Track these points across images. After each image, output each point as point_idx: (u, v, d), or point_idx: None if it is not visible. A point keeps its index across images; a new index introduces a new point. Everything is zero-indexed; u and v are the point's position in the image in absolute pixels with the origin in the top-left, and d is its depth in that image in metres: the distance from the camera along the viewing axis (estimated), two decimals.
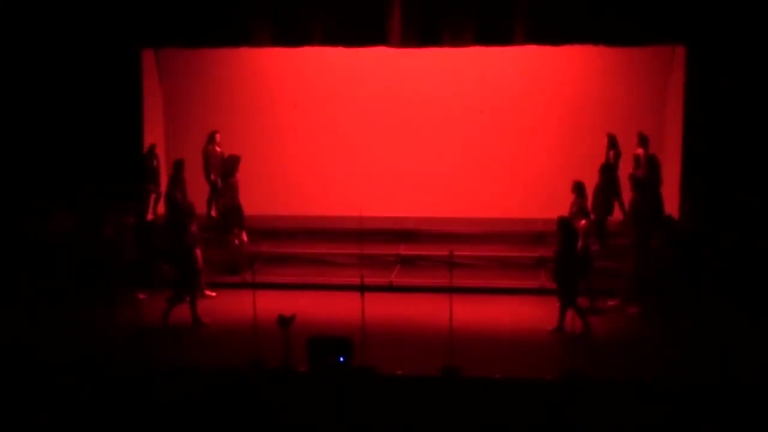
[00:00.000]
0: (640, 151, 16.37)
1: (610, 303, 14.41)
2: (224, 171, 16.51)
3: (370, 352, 12.21)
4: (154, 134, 17.92)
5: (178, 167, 16.44)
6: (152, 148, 17.30)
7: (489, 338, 13.47)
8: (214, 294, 15.16)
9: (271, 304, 13.71)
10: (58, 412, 11.03)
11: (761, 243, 15.23)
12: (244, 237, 16.27)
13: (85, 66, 16.49)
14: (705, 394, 11.12)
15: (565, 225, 13.66)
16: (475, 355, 12.66)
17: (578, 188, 15.10)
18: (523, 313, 14.37)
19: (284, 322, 12.76)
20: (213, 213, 17.35)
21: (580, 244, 13.89)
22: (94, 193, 16.18)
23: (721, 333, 13.45)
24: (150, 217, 16.97)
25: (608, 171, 16.04)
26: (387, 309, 14.44)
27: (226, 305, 14.83)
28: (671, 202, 16.32)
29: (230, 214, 16.05)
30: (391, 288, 15.58)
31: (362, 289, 12.81)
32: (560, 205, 15.51)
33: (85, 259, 14.87)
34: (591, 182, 15.73)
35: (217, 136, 17.35)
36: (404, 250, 16.91)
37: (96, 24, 16.33)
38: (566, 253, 13.51)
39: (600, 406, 10.93)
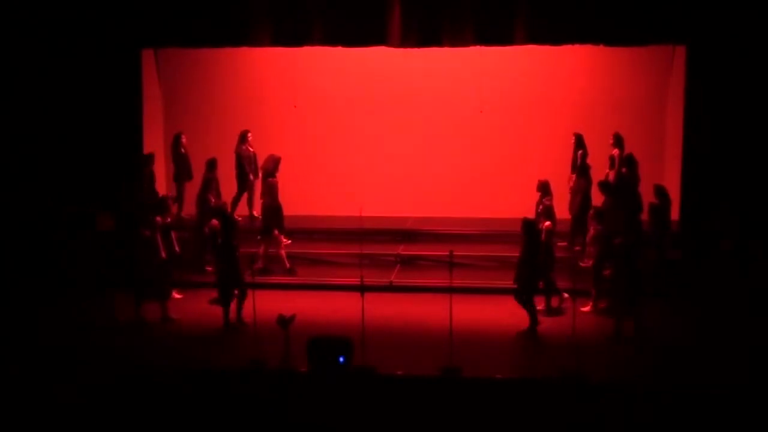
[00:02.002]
0: (615, 151, 16.40)
1: (583, 309, 14.31)
2: (265, 171, 16.35)
3: (370, 352, 12.21)
4: (154, 134, 17.93)
5: (210, 168, 16.26)
6: (178, 137, 17.28)
7: (489, 338, 13.47)
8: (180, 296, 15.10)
9: (271, 304, 13.73)
10: (57, 411, 11.04)
11: (761, 242, 15.25)
12: (284, 239, 16.23)
13: (85, 66, 16.49)
14: (704, 395, 11.12)
15: (529, 226, 13.67)
16: (475, 355, 12.66)
17: (543, 187, 15.13)
18: (523, 313, 14.34)
19: (284, 322, 12.77)
20: (255, 212, 17.25)
21: (542, 245, 13.99)
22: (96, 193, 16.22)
23: (720, 333, 13.47)
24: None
25: (585, 171, 16.04)
26: (387, 309, 14.44)
27: (212, 306, 14.83)
28: (671, 203, 16.30)
29: (271, 214, 15.93)
30: (391, 288, 15.57)
31: (362, 289, 12.81)
32: (560, 205, 15.59)
33: (125, 259, 14.81)
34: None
35: (249, 136, 17.24)
36: (404, 250, 16.90)
37: (96, 24, 16.35)
38: (529, 255, 13.51)
39: (600, 406, 10.93)
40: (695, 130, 15.94)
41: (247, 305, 13.80)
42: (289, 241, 16.47)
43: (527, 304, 13.52)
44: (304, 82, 18.50)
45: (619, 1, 15.56)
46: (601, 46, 16.45)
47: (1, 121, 16.71)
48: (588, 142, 16.61)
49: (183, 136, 17.41)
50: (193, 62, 18.31)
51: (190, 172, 17.41)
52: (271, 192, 15.89)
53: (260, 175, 16.78)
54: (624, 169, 15.85)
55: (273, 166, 16.30)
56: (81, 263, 15.77)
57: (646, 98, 17.70)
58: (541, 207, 14.86)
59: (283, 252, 15.94)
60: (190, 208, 17.08)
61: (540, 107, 18.06)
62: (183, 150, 17.40)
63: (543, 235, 14.06)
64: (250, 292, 14.25)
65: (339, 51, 16.88)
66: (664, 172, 17.32)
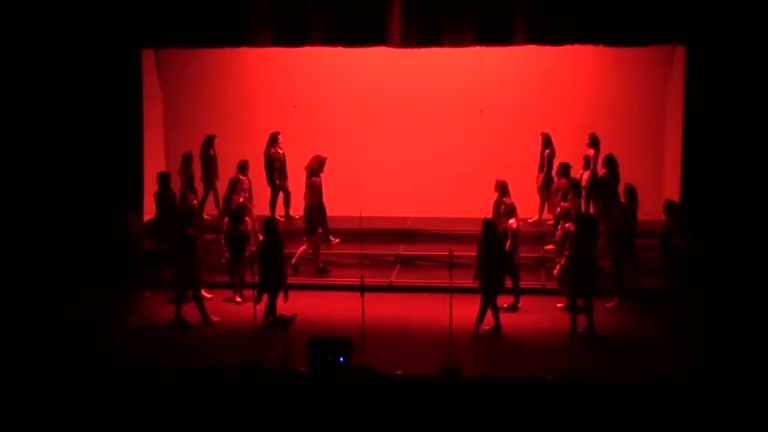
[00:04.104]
0: (590, 152, 16.47)
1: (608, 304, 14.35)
2: (309, 171, 16.33)
3: (370, 352, 12.21)
4: (154, 134, 17.93)
5: (240, 169, 16.30)
6: (211, 138, 17.35)
7: (489, 338, 13.46)
8: (210, 295, 15.05)
9: None
10: (57, 411, 11.04)
11: (761, 242, 15.26)
12: (333, 239, 16.43)
13: (85, 66, 16.49)
14: (704, 395, 11.13)
15: (490, 227, 13.67)
16: (475, 355, 12.66)
17: (501, 187, 15.21)
18: (523, 313, 14.38)
19: (284, 322, 12.78)
20: (290, 213, 17.44)
21: (508, 244, 14.06)
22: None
23: (720, 333, 13.48)
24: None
25: (566, 170, 16.08)
26: (387, 309, 14.44)
27: (226, 305, 14.83)
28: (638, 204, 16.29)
29: (314, 214, 15.93)
30: (391, 288, 15.57)
31: (362, 289, 12.82)
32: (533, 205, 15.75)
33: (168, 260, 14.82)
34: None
35: (279, 138, 17.25)
36: (404, 250, 16.91)
37: (96, 24, 16.34)
38: (488, 254, 13.49)
39: (600, 406, 10.93)
40: (695, 130, 15.93)
41: (248, 305, 13.81)
42: (337, 240, 16.60)
43: (493, 303, 13.55)
44: (304, 82, 18.49)
45: (619, 1, 15.55)
46: (601, 46, 16.44)
47: (1, 121, 16.70)
48: (586, 142, 16.65)
49: (216, 139, 17.45)
50: (193, 62, 18.30)
51: (217, 173, 17.48)
52: (313, 191, 15.91)
53: (300, 175, 16.78)
54: (605, 170, 15.90)
55: (318, 165, 16.35)
56: (81, 263, 15.79)
57: (646, 98, 17.69)
58: (502, 207, 14.94)
59: (320, 251, 16.07)
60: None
61: (540, 107, 18.05)
62: (213, 151, 17.43)
63: (509, 234, 14.07)
64: (250, 292, 14.30)
65: (339, 51, 16.87)
66: (664, 172, 17.33)
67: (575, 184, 15.59)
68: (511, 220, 14.47)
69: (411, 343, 13.25)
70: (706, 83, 15.70)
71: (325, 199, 16.63)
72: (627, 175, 15.81)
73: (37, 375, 11.84)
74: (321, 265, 16.03)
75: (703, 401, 10.92)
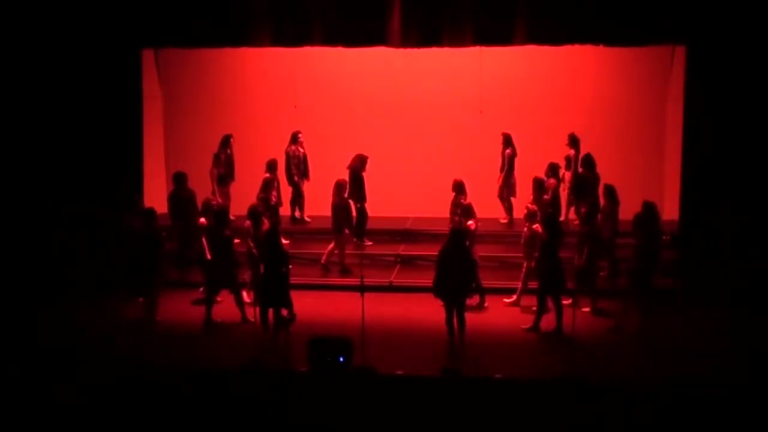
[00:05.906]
0: (570, 152, 16.51)
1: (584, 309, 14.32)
2: (352, 170, 16.53)
3: (370, 352, 12.21)
4: (154, 135, 17.93)
5: (271, 168, 16.35)
6: (228, 138, 17.32)
7: (489, 338, 13.47)
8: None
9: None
10: (57, 411, 11.04)
11: (761, 242, 15.26)
12: (366, 240, 16.62)
13: (85, 66, 16.50)
14: (704, 395, 11.13)
15: (458, 234, 13.48)
16: (475, 355, 12.66)
17: (458, 187, 15.21)
18: (523, 314, 14.36)
19: (284, 322, 12.77)
20: (297, 214, 17.54)
21: (468, 244, 13.95)
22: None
23: (720, 333, 13.48)
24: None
25: (555, 171, 16.10)
26: (387, 309, 14.44)
27: (226, 305, 14.81)
28: (671, 203, 16.32)
29: (341, 214, 15.97)
30: (391, 288, 15.58)
31: (362, 289, 12.82)
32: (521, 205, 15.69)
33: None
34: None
35: (300, 136, 17.31)
36: (404, 250, 16.91)
37: (96, 24, 16.35)
38: (455, 261, 13.29)
39: (600, 406, 10.93)
40: (695, 130, 15.94)
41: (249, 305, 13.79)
42: (371, 243, 16.70)
43: (456, 306, 13.31)
44: (304, 82, 18.50)
45: (619, 1, 15.56)
46: (601, 47, 16.45)
47: (1, 121, 16.71)
48: (587, 141, 16.67)
49: (232, 138, 17.45)
50: (193, 62, 18.32)
51: (233, 173, 17.46)
52: (338, 191, 15.94)
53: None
54: (582, 170, 15.94)
55: (360, 164, 16.50)
56: (81, 263, 15.79)
57: (646, 98, 17.70)
58: (458, 208, 14.94)
59: (345, 251, 16.01)
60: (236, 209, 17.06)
61: (540, 107, 18.06)
62: (229, 151, 17.41)
63: (466, 235, 14.06)
64: (250, 293, 14.30)
65: (339, 51, 16.87)
66: (664, 172, 17.33)
67: (541, 184, 15.70)
68: (470, 222, 14.46)
69: (411, 343, 13.25)
70: (706, 83, 15.71)
71: (326, 199, 16.60)
72: (627, 175, 15.85)
73: (37, 375, 11.84)
74: (323, 265, 15.99)
75: (703, 401, 10.92)
